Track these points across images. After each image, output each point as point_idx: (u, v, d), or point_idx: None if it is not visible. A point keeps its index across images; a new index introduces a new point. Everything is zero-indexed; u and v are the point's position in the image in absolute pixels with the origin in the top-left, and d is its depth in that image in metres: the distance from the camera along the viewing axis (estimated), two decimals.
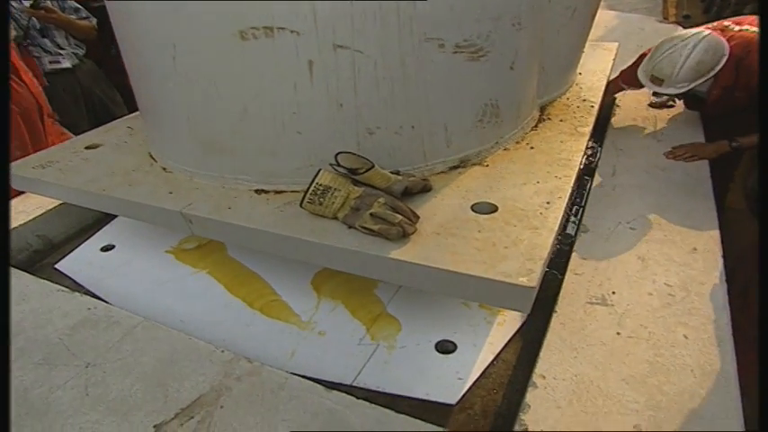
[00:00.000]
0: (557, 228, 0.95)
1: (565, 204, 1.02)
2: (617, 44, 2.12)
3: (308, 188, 1.01)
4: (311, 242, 0.99)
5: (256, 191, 1.18)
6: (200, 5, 0.97)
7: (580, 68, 1.79)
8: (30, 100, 2.26)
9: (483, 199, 1.06)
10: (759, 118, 1.01)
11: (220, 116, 1.12)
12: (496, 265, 0.87)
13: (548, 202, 1.03)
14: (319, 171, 1.02)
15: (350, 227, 1.00)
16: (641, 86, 1.78)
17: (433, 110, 1.11)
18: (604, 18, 3.28)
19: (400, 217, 0.95)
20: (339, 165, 1.03)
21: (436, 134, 1.14)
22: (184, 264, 1.48)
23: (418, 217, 0.99)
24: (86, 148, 1.53)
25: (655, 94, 2.10)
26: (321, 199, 1.01)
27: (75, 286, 1.41)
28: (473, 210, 1.03)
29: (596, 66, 1.88)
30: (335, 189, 1.01)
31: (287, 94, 1.04)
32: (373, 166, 1.02)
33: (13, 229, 1.59)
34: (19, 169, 1.45)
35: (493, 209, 1.03)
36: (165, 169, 1.33)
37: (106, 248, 1.60)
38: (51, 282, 1.32)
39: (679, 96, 1.93)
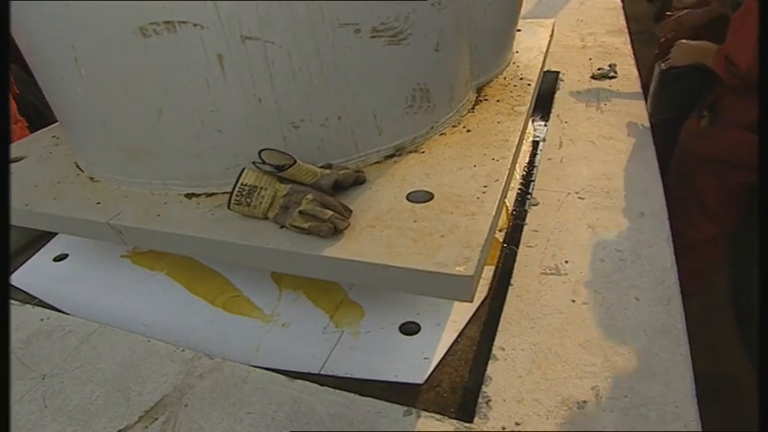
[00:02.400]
0: (495, 212, 0.94)
1: (503, 187, 1.01)
2: (553, 20, 2.14)
3: (233, 189, 0.97)
4: (242, 245, 0.96)
5: (186, 195, 1.13)
6: (92, 3, 0.92)
7: (516, 47, 1.78)
8: None
9: (418, 187, 1.04)
10: (759, 119, 1.04)
11: (135, 119, 1.07)
12: (433, 256, 0.85)
13: (485, 186, 1.01)
14: (243, 170, 0.98)
15: (281, 226, 0.97)
16: None
17: (358, 99, 1.07)
18: None
19: (330, 213, 0.92)
20: (264, 162, 0.99)
21: (365, 123, 1.11)
22: (141, 267, 1.45)
23: (350, 211, 0.97)
24: (9, 161, 1.44)
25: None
26: (248, 199, 0.97)
27: (29, 299, 1.37)
28: (408, 199, 1.01)
29: (533, 43, 1.87)
30: (262, 188, 0.97)
31: (201, 92, 0.99)
32: (295, 162, 0.98)
33: None
34: None
35: (429, 197, 1.01)
36: (92, 179, 1.27)
37: (59, 258, 1.55)
38: None
39: None
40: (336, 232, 0.92)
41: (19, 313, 1.19)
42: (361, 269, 0.88)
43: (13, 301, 1.24)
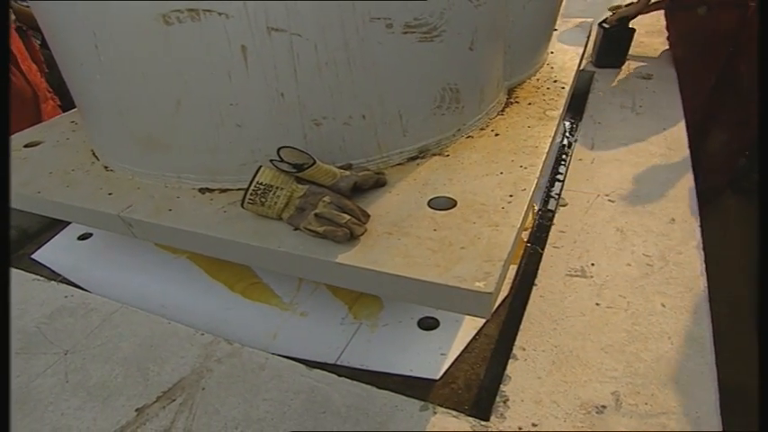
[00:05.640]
0: (520, 224, 0.89)
1: (530, 197, 0.96)
2: (592, 20, 2.10)
3: (248, 187, 0.94)
4: (253, 246, 0.93)
5: (200, 189, 1.10)
6: None
7: (552, 47, 1.73)
8: (27, 89, 2.23)
9: (441, 193, 0.99)
10: (759, 117, 1.02)
11: (153, 110, 1.04)
12: (451, 269, 0.81)
13: (511, 195, 0.97)
14: (259, 168, 0.95)
15: (295, 228, 0.93)
16: None
17: (385, 97, 1.03)
18: None
19: (347, 217, 0.89)
20: (282, 160, 0.96)
21: (390, 123, 1.07)
22: (163, 250, 1.46)
23: (368, 216, 0.93)
24: (25, 146, 1.44)
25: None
26: (263, 199, 0.94)
27: (53, 275, 1.39)
28: (429, 206, 0.97)
29: (569, 44, 1.82)
30: (277, 188, 0.94)
31: (222, 84, 0.96)
32: (315, 162, 0.95)
33: None
34: None
35: (451, 204, 0.96)
36: (106, 168, 1.25)
37: (83, 237, 1.57)
38: (27, 272, 1.29)
39: None
40: (352, 238, 0.88)
41: (44, 289, 1.21)
42: (374, 279, 0.84)
43: (38, 277, 1.26)
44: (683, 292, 1.06)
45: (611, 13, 2.34)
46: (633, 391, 0.88)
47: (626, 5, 2.37)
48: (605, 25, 2.29)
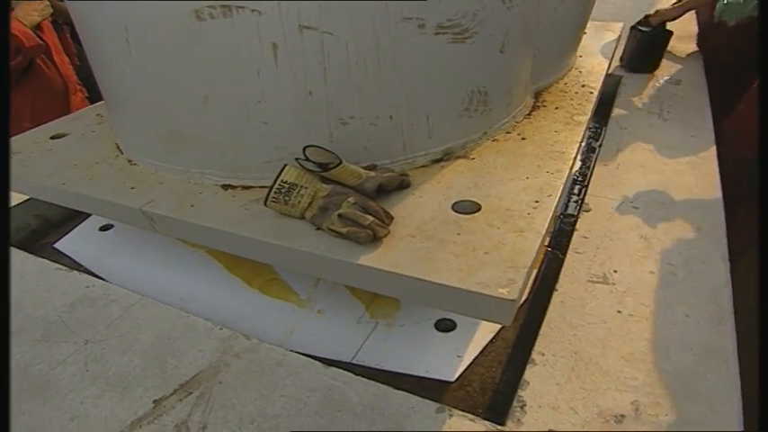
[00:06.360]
0: (545, 230, 0.88)
1: (555, 203, 0.95)
2: (622, 24, 2.07)
3: (272, 185, 0.94)
4: (274, 245, 0.92)
5: (223, 186, 1.10)
6: None
7: (580, 50, 1.71)
8: (58, 80, 2.29)
9: (465, 197, 0.98)
10: (759, 117, 1.00)
11: (180, 105, 1.05)
12: (474, 274, 0.79)
13: (536, 201, 0.95)
14: (284, 167, 0.95)
15: (318, 228, 0.93)
16: None
17: (413, 98, 1.02)
18: None
19: (371, 218, 0.88)
20: (308, 159, 0.95)
21: (417, 124, 1.06)
22: (182, 243, 1.47)
23: (392, 218, 0.92)
24: (52, 137, 1.46)
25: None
26: (286, 197, 0.93)
27: (74, 265, 1.41)
28: (454, 209, 0.95)
29: (598, 48, 1.79)
30: (302, 187, 0.93)
31: (250, 81, 0.96)
32: (341, 162, 0.94)
33: (12, 208, 1.59)
34: None
35: (475, 208, 0.95)
36: (130, 162, 1.26)
37: (105, 228, 1.59)
38: (50, 260, 1.32)
39: None
40: (375, 240, 0.88)
41: (66, 278, 1.23)
42: (396, 281, 0.83)
43: (61, 267, 1.28)
44: (707, 303, 1.04)
45: (644, 17, 2.28)
46: (653, 401, 0.86)
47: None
48: (642, 28, 2.22)
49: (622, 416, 0.84)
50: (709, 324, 0.99)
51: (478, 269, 0.81)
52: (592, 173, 1.54)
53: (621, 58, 2.33)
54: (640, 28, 2.24)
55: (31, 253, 1.36)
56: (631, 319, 1.01)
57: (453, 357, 1.06)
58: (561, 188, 1.00)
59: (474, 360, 1.05)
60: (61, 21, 2.36)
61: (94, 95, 2.45)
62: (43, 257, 1.33)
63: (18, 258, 1.33)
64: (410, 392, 0.90)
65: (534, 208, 0.94)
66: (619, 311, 1.03)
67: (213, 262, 1.40)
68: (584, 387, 0.89)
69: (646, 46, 2.24)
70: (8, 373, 0.93)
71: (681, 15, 2.22)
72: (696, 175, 1.48)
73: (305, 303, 1.23)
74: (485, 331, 1.11)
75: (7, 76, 1.99)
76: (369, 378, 0.93)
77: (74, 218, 1.66)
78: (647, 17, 2.26)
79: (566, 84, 1.50)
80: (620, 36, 1.96)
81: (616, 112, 1.92)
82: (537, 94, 1.43)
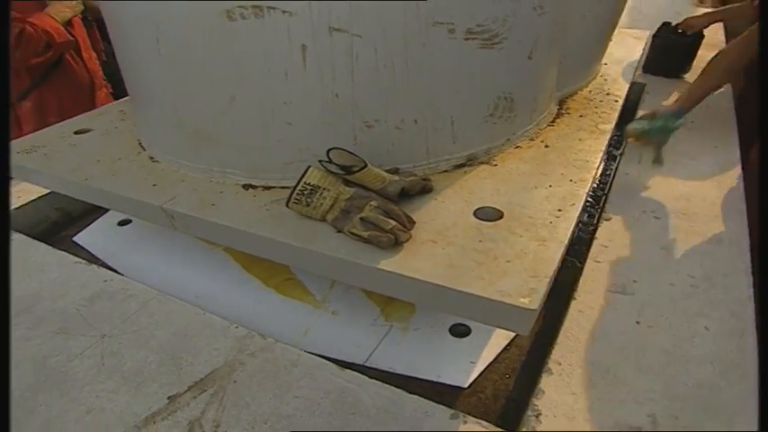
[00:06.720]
0: (567, 240, 0.87)
1: (578, 213, 0.94)
2: (648, 32, 2.04)
3: (296, 187, 0.94)
4: (294, 246, 0.93)
5: (244, 186, 1.11)
6: None
7: (606, 58, 1.69)
8: (85, 76, 2.34)
9: (487, 203, 0.98)
10: (760, 119, 0.99)
11: (206, 104, 1.05)
12: (495, 282, 0.79)
13: (559, 210, 0.94)
14: (308, 168, 0.95)
15: (338, 231, 0.93)
16: None
17: (439, 103, 1.02)
18: (636, 0, 3.17)
19: (393, 223, 0.88)
20: (331, 162, 0.95)
21: (441, 129, 1.05)
22: (199, 240, 1.48)
23: (414, 222, 0.92)
24: (76, 132, 1.48)
25: None
26: (309, 199, 0.93)
27: (93, 259, 1.43)
28: (476, 216, 0.95)
29: (623, 55, 1.77)
30: (324, 189, 0.93)
31: (278, 82, 0.96)
32: (366, 166, 0.94)
33: (33, 201, 1.61)
34: None
35: (498, 215, 0.94)
36: (152, 159, 1.27)
37: (123, 223, 1.61)
38: (69, 254, 1.33)
39: None
40: (396, 244, 0.87)
41: (85, 272, 1.25)
42: (416, 287, 0.83)
43: (80, 260, 1.29)
44: (728, 317, 1.02)
45: (662, 24, 2.26)
46: (671, 414, 0.85)
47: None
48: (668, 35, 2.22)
49: (639, 428, 0.83)
50: (730, 338, 0.97)
51: (500, 278, 0.80)
52: (612, 181, 1.53)
53: (645, 65, 2.30)
54: (671, 36, 2.22)
55: (51, 245, 1.37)
56: (650, 331, 1.00)
57: (467, 363, 1.05)
58: (584, 197, 0.99)
59: (488, 366, 1.05)
60: (91, 17, 2.39)
61: (119, 92, 2.48)
62: (63, 250, 1.35)
63: (39, 251, 1.34)
64: (423, 397, 0.89)
65: (557, 217, 0.93)
66: (637, 322, 1.01)
67: (230, 260, 1.40)
68: (601, 398, 0.88)
69: (678, 51, 2.21)
70: (8, 373, 0.93)
71: (709, 25, 2.20)
72: (719, 185, 1.46)
73: (320, 304, 1.23)
74: (499, 337, 1.10)
75: (7, 76, 2.03)
76: (381, 381, 0.93)
77: (94, 211, 1.68)
78: (666, 24, 2.24)
79: (590, 91, 1.50)
80: (646, 44, 1.93)
81: None
82: (561, 102, 1.42)
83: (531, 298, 0.76)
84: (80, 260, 1.29)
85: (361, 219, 0.90)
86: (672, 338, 0.98)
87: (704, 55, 2.41)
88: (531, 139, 1.21)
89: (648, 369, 0.92)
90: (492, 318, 0.81)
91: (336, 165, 0.96)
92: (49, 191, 1.61)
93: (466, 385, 1.01)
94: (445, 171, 1.10)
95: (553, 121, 1.30)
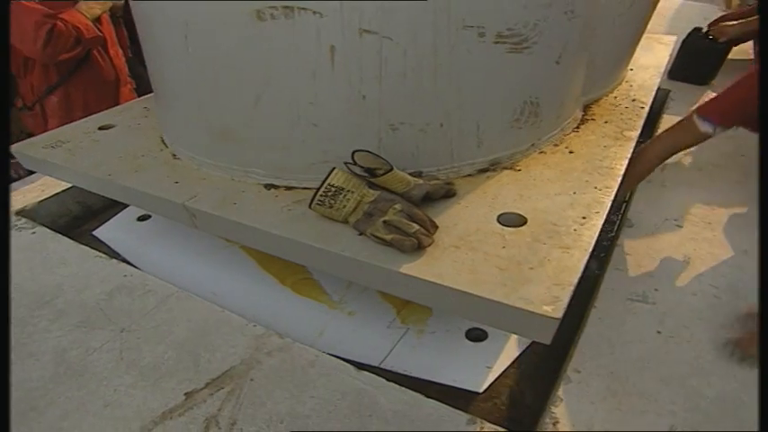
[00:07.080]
0: (591, 248, 0.86)
1: (602, 220, 0.92)
2: (674, 38, 2.00)
3: (319, 188, 0.93)
4: (316, 248, 0.92)
5: (266, 185, 1.11)
6: None
7: (632, 64, 1.66)
8: (110, 72, 2.38)
9: (511, 209, 0.96)
10: (760, 119, 0.97)
11: (232, 103, 1.05)
12: (518, 289, 0.78)
13: (584, 217, 0.93)
14: (332, 170, 0.94)
15: (361, 233, 0.92)
16: None
17: (466, 106, 1.01)
18: (663, 6, 3.13)
19: (416, 227, 0.87)
20: (355, 164, 0.95)
21: (466, 133, 1.04)
22: (217, 237, 1.49)
23: (437, 227, 0.91)
24: (99, 128, 1.49)
25: None
26: (332, 201, 0.93)
27: (112, 253, 1.44)
28: (499, 221, 0.94)
29: (650, 61, 1.73)
30: (348, 191, 0.93)
31: (304, 83, 0.96)
32: (392, 169, 0.93)
33: (55, 195, 1.64)
34: (27, 148, 1.41)
35: (521, 221, 0.93)
36: (174, 156, 1.28)
37: (142, 218, 1.62)
38: (90, 248, 1.35)
39: None
40: (419, 248, 0.87)
41: (105, 266, 1.26)
42: (438, 292, 0.82)
43: (100, 255, 1.31)
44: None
45: (694, 29, 2.22)
46: (692, 426, 0.83)
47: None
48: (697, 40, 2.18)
49: None
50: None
51: (522, 285, 0.79)
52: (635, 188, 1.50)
53: (670, 71, 2.27)
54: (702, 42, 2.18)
55: (72, 239, 1.39)
56: (671, 341, 0.98)
57: (482, 368, 1.05)
58: (609, 205, 0.97)
59: (503, 372, 1.04)
60: (119, 14, 2.43)
61: (142, 88, 2.51)
62: (83, 244, 1.37)
63: (60, 244, 1.36)
64: (437, 401, 0.89)
65: (581, 224, 0.92)
66: (659, 332, 1.00)
67: (247, 258, 1.41)
68: (620, 408, 0.87)
69: (709, 58, 2.18)
70: (8, 373, 0.93)
71: (746, 39, 2.14)
72: (744, 195, 1.43)
73: (336, 305, 1.23)
74: (515, 343, 1.09)
75: (7, 76, 2.06)
76: (397, 383, 0.93)
77: (114, 206, 1.69)
78: (696, 30, 2.20)
79: (616, 97, 1.47)
80: (673, 50, 1.90)
81: (663, 126, 1.86)
82: (586, 107, 1.40)
83: (555, 306, 0.75)
84: (101, 255, 1.31)
85: (385, 222, 0.89)
86: (694, 349, 0.96)
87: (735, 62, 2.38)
88: (556, 145, 1.20)
89: (669, 380, 0.91)
90: (514, 325, 0.80)
91: (361, 167, 0.96)
92: (70, 184, 1.63)
93: (481, 390, 1.00)
94: (469, 175, 1.09)
95: (578, 127, 1.28)
